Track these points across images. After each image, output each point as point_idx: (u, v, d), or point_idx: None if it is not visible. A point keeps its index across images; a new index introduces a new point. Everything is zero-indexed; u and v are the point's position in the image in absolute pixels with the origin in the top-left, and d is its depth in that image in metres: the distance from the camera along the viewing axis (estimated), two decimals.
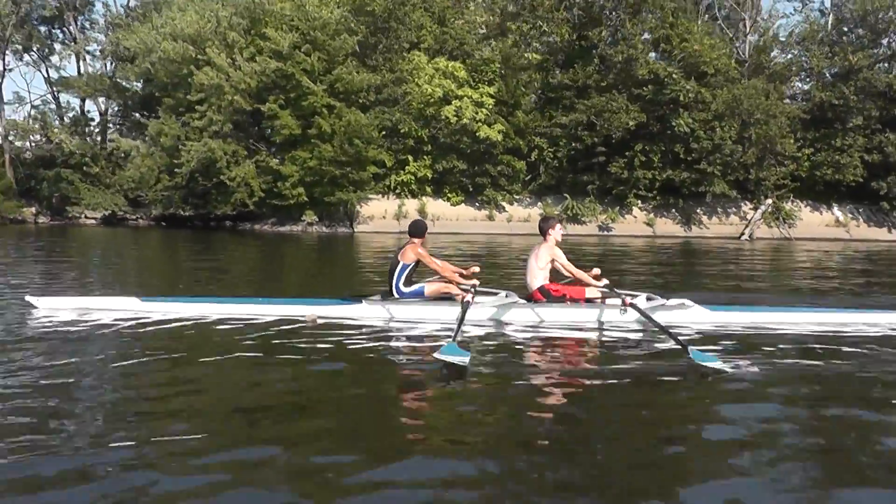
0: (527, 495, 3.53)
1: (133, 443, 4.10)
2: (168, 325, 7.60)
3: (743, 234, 42.96)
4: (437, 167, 41.92)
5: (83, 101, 54.42)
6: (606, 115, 40.44)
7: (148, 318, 7.87)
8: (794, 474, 3.83)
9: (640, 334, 7.59)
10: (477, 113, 40.01)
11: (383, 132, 40.22)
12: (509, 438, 4.41)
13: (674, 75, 40.25)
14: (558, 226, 8.44)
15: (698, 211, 45.18)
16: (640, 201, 43.72)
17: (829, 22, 47.04)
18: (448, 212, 42.06)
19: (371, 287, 10.55)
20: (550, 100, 44.06)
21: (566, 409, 5.06)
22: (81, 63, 53.10)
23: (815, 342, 7.23)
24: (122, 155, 51.17)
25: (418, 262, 8.25)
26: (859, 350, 6.92)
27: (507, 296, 8.32)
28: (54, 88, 54.22)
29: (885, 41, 46.47)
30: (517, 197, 43.82)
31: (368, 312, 8.08)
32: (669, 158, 42.55)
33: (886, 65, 46.28)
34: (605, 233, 42.60)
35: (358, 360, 6.36)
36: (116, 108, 53.21)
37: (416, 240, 8.33)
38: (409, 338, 7.40)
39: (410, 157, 42.13)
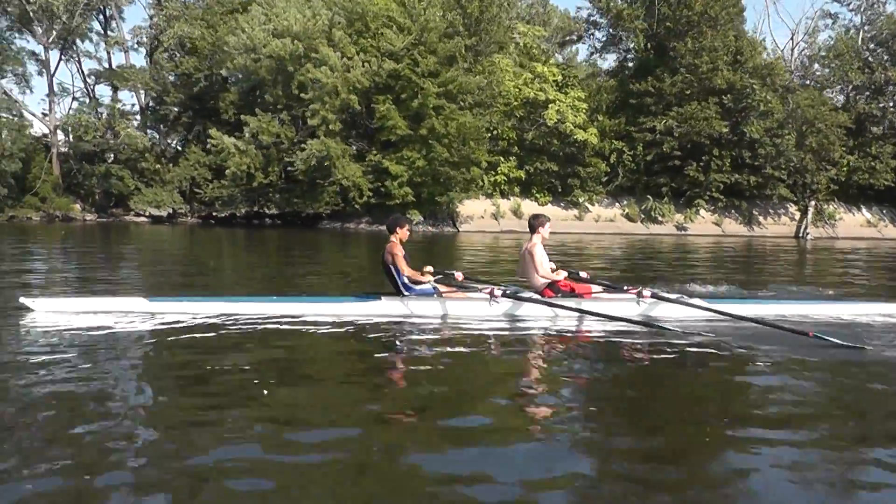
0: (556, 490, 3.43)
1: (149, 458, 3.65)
2: (177, 327, 6.94)
3: (808, 232, 46.48)
4: (527, 168, 43.16)
5: (115, 92, 52.31)
6: (693, 123, 42.76)
7: (155, 319, 7.24)
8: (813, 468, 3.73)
9: (674, 328, 7.16)
10: (576, 117, 41.52)
11: (489, 134, 41.14)
12: (545, 429, 4.33)
13: (754, 86, 42.99)
14: (548, 224, 8.37)
15: (754, 212, 48.35)
16: (705, 202, 46.35)
17: (861, 38, 51.12)
18: (543, 212, 43.29)
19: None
20: (626, 105, 45.97)
21: (595, 403, 4.94)
22: (123, 56, 51.28)
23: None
24: (174, 151, 49.94)
25: (405, 256, 7.93)
26: (857, 339, 6.84)
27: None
28: (88, 81, 51.82)
29: None
30: (597, 197, 45.59)
31: (387, 309, 7.71)
32: (738, 163, 45.38)
33: None
34: (682, 232, 44.96)
35: (382, 357, 6.23)
36: (152, 103, 51.21)
37: (393, 236, 7.97)
38: (433, 331, 7.20)
39: (501, 159, 43.18)
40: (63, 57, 49.19)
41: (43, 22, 45.83)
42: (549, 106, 41.75)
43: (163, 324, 7.03)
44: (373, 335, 6.86)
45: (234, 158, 39.74)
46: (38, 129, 49.74)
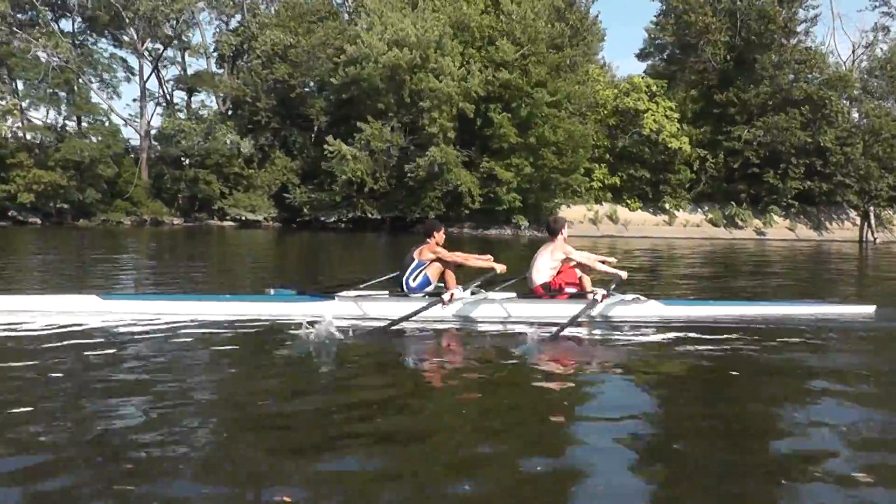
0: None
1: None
2: (131, 327, 6.65)
3: (877, 237, 48.98)
4: (620, 174, 44.95)
5: (190, 97, 52.82)
6: (776, 132, 44.94)
7: (109, 319, 6.95)
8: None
9: (627, 329, 7.32)
10: (671, 126, 43.43)
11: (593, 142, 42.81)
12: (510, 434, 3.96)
13: (832, 97, 45.32)
14: (567, 225, 8.52)
15: (821, 217, 50.83)
16: (779, 208, 48.61)
17: None
18: (636, 217, 45.22)
19: None
20: (708, 114, 47.96)
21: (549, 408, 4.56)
22: (205, 61, 51.81)
23: (758, 333, 7.08)
24: (260, 156, 50.47)
25: (434, 261, 7.88)
26: (798, 340, 6.85)
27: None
28: (164, 85, 52.21)
29: None
30: (682, 203, 47.56)
31: (341, 310, 7.39)
32: (811, 170, 47.74)
33: None
34: (761, 237, 47.11)
35: (338, 358, 5.76)
36: (231, 109, 51.70)
37: (429, 240, 8.00)
38: (393, 335, 6.79)
39: (596, 166, 44.88)
40: (160, 63, 49.73)
41: (139, 29, 46.15)
42: (645, 115, 43.53)
43: (113, 323, 6.77)
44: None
45: (350, 164, 40.61)
46: (125, 134, 50.07)
